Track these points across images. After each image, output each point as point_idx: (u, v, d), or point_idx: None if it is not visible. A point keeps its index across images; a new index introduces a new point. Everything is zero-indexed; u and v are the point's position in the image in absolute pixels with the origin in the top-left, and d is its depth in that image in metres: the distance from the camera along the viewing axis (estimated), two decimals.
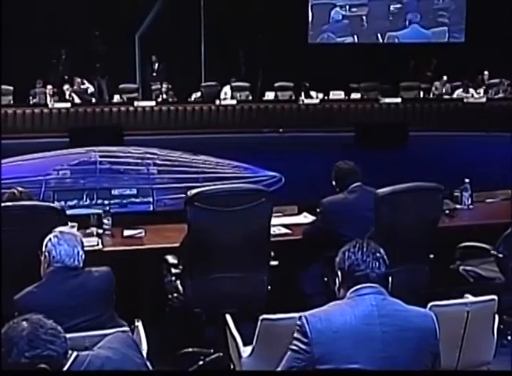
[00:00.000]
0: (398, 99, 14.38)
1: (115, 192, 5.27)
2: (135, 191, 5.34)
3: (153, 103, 14.15)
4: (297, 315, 2.73)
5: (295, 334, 2.51)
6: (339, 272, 2.65)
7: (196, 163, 9.76)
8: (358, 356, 2.43)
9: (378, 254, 2.63)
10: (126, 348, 2.38)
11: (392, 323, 2.49)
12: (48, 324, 2.08)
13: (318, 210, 4.70)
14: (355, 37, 17.33)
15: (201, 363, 4.35)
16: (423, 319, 2.57)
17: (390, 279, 2.64)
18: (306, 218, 5.27)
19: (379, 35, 17.32)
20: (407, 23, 17.30)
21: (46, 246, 3.23)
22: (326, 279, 4.34)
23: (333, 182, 4.73)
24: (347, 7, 17.18)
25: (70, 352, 2.13)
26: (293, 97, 14.75)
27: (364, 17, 17.21)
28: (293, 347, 2.50)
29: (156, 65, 16.17)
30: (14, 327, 2.03)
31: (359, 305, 2.52)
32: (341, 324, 2.46)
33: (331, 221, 4.49)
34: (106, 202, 5.16)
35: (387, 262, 2.64)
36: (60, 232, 3.27)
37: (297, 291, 4.56)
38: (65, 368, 2.10)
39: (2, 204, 4.10)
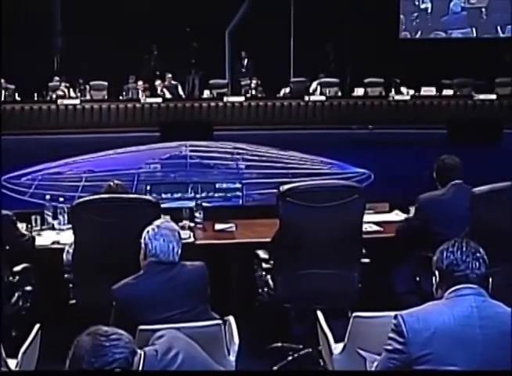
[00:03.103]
0: (493, 96, 13.97)
1: (220, 185, 5.31)
2: (239, 185, 5.37)
3: (242, 99, 14.25)
4: (390, 313, 2.69)
5: (390, 334, 2.47)
6: (436, 272, 2.59)
7: (283, 158, 9.77)
8: (456, 358, 2.37)
9: (478, 254, 2.55)
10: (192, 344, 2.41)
11: (493, 326, 2.41)
12: (109, 331, 2.12)
13: (414, 206, 4.59)
14: (474, 29, 17.05)
15: (290, 358, 4.35)
16: None
17: (490, 280, 2.57)
18: (398, 215, 5.19)
19: (498, 28, 16.96)
20: None
21: (144, 238, 3.27)
22: (418, 278, 4.26)
23: (434, 175, 4.60)
24: None
25: (138, 350, 2.17)
26: (383, 93, 14.55)
27: (483, 9, 16.88)
28: (389, 347, 2.46)
29: (246, 61, 16.27)
30: (78, 344, 2.08)
31: (458, 305, 2.45)
32: (439, 325, 2.40)
33: (427, 218, 4.36)
34: (211, 194, 5.21)
35: (487, 262, 2.56)
36: (158, 226, 3.29)
37: (388, 290, 4.49)
38: (140, 367, 2.14)
39: (100, 196, 4.22)
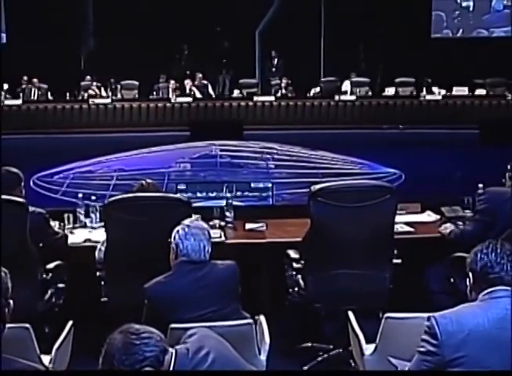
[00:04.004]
0: None
1: (255, 185, 5.32)
2: (269, 184, 5.37)
3: (272, 98, 14.24)
4: (422, 315, 2.67)
5: (424, 336, 2.45)
6: (470, 274, 2.56)
7: (314, 158, 9.76)
8: (490, 361, 2.34)
9: None
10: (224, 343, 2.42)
11: None
12: (141, 329, 2.12)
13: (479, 201, 4.41)
14: None
15: (320, 358, 4.34)
16: None
17: None
18: (430, 216, 5.15)
19: None
20: None
21: (174, 238, 3.28)
22: (452, 280, 4.22)
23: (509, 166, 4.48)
24: None
25: (170, 349, 2.18)
26: (415, 93, 14.45)
27: None
28: (422, 349, 2.44)
29: (276, 60, 16.27)
30: (110, 342, 2.09)
31: (493, 308, 2.43)
32: (473, 327, 2.38)
33: (495, 211, 4.18)
34: (246, 194, 5.22)
35: None
36: (188, 225, 3.30)
37: (420, 291, 4.46)
38: (171, 365, 2.15)
39: (132, 194, 4.25)
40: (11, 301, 2.27)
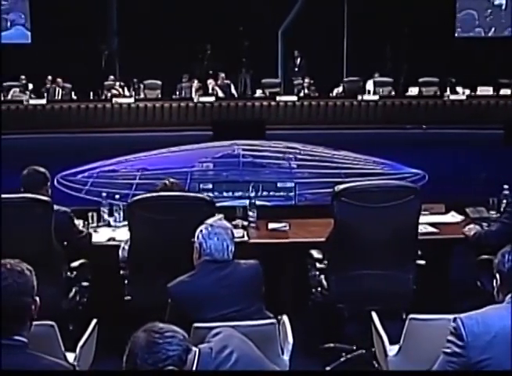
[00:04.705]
0: None
1: (282, 185, 5.31)
2: (291, 184, 5.36)
3: (294, 98, 14.23)
4: (447, 316, 2.65)
5: (449, 337, 2.42)
6: (497, 275, 2.54)
7: (336, 158, 9.72)
8: None
9: None
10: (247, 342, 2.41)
11: None
12: (164, 328, 2.12)
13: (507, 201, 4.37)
14: None
15: (343, 359, 4.32)
16: None
17: None
18: (454, 217, 5.10)
19: None
20: None
21: (198, 238, 3.28)
22: (478, 282, 4.18)
23: None
24: None
25: (193, 348, 2.18)
26: (439, 93, 14.35)
27: None
28: (447, 350, 2.41)
29: (299, 60, 16.26)
30: (134, 341, 2.09)
31: None
32: (500, 329, 2.35)
33: None
34: (272, 194, 5.22)
35: None
36: (211, 225, 3.30)
37: (444, 292, 4.42)
38: (194, 364, 2.14)
39: (156, 194, 4.26)
40: (37, 299, 2.30)
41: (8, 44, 16.75)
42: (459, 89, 14.25)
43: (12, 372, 2.14)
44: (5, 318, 2.21)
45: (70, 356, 3.13)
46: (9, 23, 17.14)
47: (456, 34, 16.73)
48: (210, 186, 5.14)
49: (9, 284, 2.23)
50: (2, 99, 14.28)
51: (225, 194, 5.08)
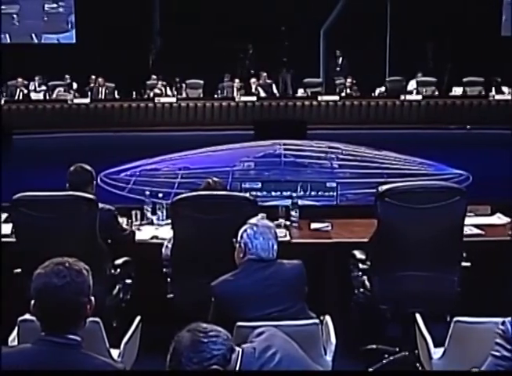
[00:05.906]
0: None
1: (331, 184, 5.30)
2: (333, 184, 5.34)
3: (336, 98, 14.17)
4: (494, 319, 2.61)
5: (498, 340, 2.37)
6: None
7: (378, 158, 9.66)
8: None
9: None
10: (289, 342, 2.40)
11: None
12: (208, 327, 2.13)
13: None
14: None
15: (385, 361, 4.28)
16: None
17: None
18: (500, 219, 5.02)
19: None
20: None
21: (242, 237, 3.29)
22: None
23: None
24: None
25: (237, 348, 2.18)
26: (483, 93, 14.15)
27: None
28: (496, 353, 2.37)
29: (341, 59, 16.18)
30: (179, 340, 2.09)
31: None
32: None
33: None
34: (320, 194, 5.21)
35: None
36: (256, 224, 3.31)
37: (490, 295, 4.35)
38: (237, 365, 2.14)
39: (199, 193, 4.28)
40: (92, 299, 2.30)
41: (52, 44, 17.03)
42: (504, 89, 14.03)
43: (64, 372, 2.16)
44: (61, 316, 2.23)
45: (114, 353, 3.16)
46: (69, 25, 17.33)
47: (502, 33, 16.45)
48: (259, 185, 5.12)
49: (67, 283, 2.23)
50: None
51: (273, 194, 5.08)
